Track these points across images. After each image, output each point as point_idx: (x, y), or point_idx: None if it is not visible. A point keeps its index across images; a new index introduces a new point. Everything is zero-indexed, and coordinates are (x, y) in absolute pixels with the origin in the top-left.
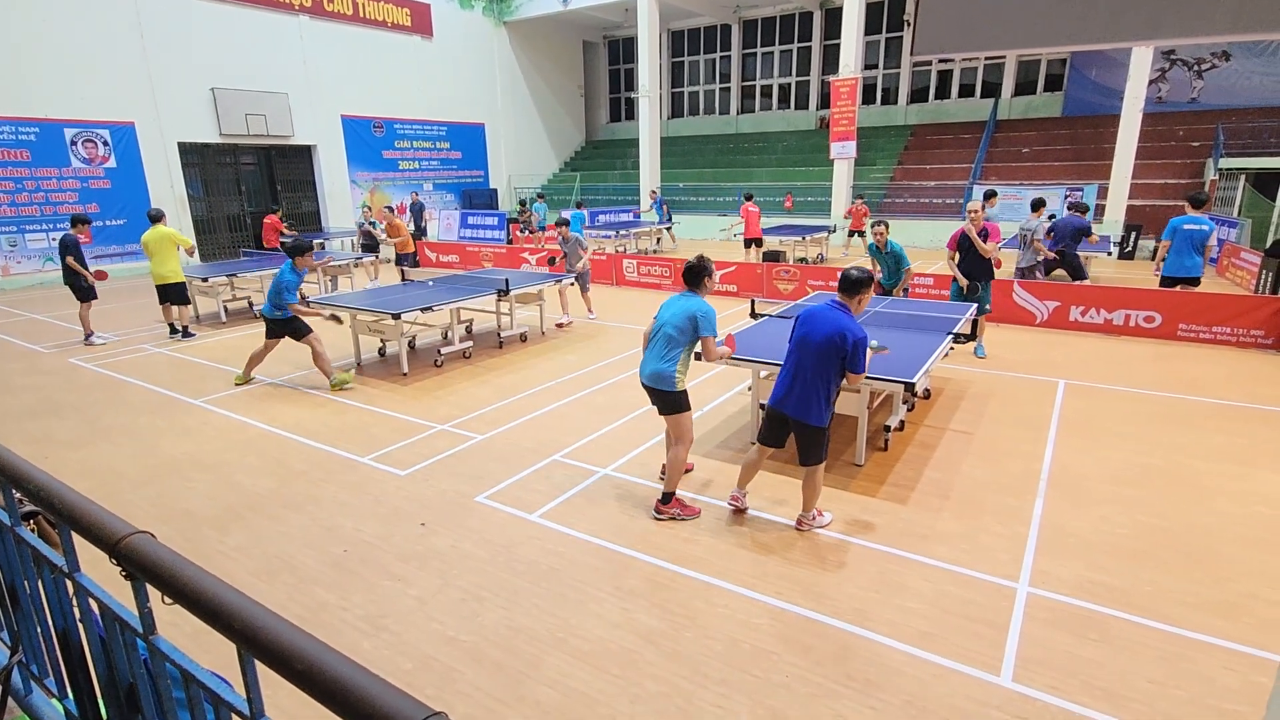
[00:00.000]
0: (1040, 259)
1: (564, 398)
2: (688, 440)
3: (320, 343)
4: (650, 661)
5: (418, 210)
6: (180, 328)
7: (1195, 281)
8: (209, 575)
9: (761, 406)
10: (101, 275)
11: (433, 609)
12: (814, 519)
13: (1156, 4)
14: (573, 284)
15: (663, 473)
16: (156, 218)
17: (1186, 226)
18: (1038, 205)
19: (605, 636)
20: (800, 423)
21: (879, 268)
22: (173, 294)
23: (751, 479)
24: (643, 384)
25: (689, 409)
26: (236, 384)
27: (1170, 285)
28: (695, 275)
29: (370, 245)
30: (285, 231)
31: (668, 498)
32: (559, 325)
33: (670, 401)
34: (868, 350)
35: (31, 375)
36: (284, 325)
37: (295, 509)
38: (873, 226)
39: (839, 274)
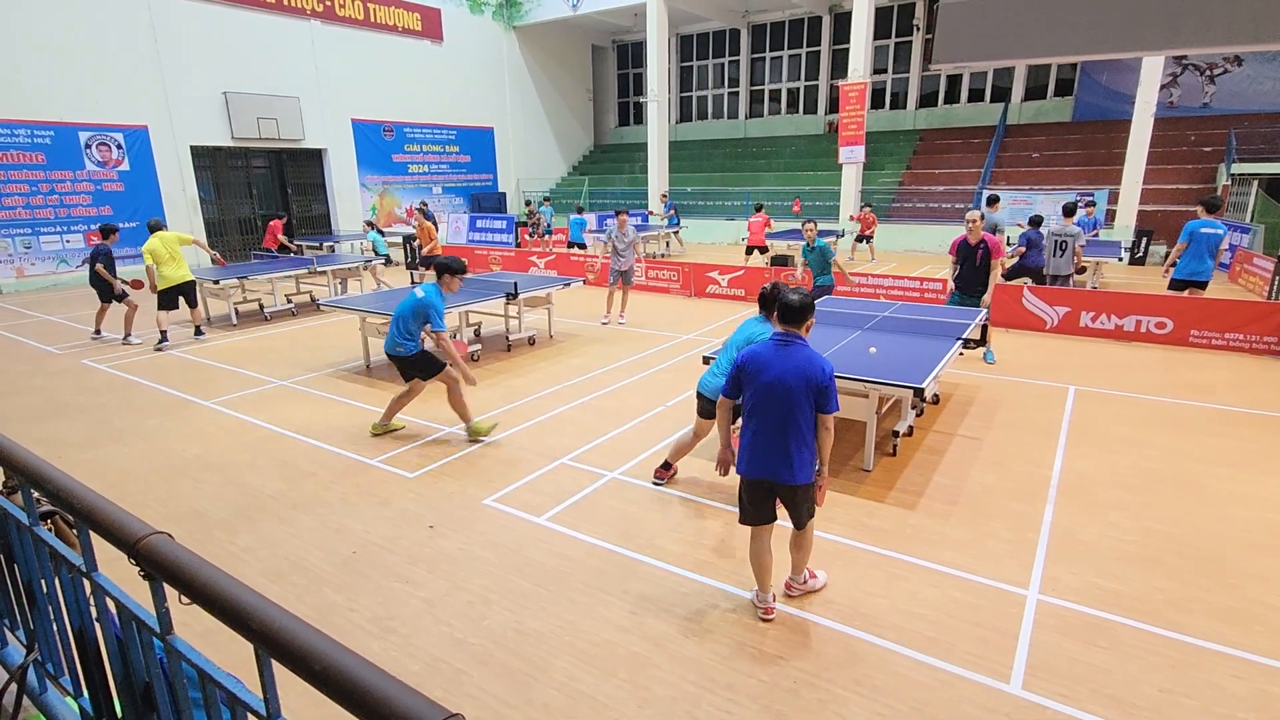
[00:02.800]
0: (1074, 268)
1: (572, 401)
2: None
3: (458, 381)
4: (658, 665)
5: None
6: (195, 326)
7: (1204, 285)
8: (227, 576)
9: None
10: (138, 284)
11: (441, 611)
12: (805, 581)
13: (1176, 13)
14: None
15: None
16: (157, 226)
17: (1204, 230)
18: (1070, 210)
19: (613, 640)
20: (790, 486)
21: (808, 266)
22: (187, 294)
23: (771, 575)
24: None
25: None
26: (374, 434)
27: (1180, 288)
28: (770, 301)
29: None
30: (283, 240)
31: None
32: (619, 324)
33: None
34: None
35: (43, 376)
36: (414, 364)
37: (304, 510)
38: (804, 224)
39: (779, 303)
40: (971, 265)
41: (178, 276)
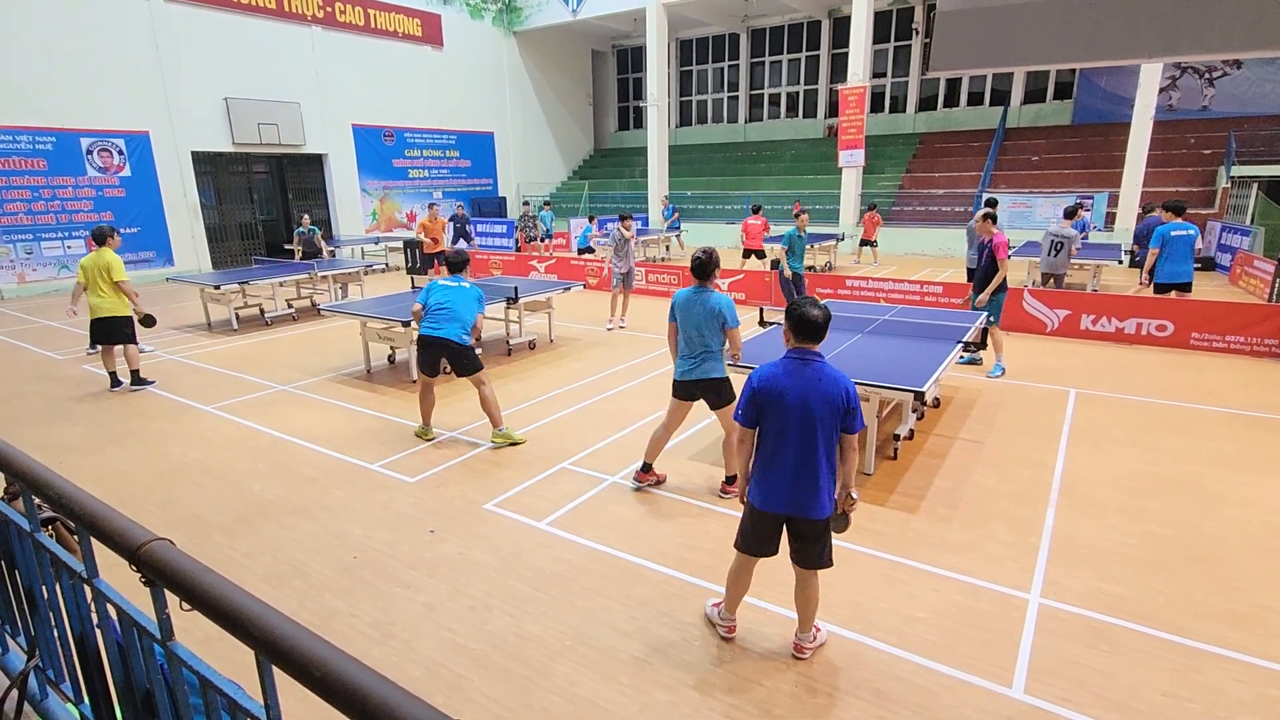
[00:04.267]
0: (1065, 269)
1: (572, 405)
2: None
3: (490, 384)
4: (659, 670)
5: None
6: (131, 372)
7: (1188, 287)
8: (228, 582)
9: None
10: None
11: (441, 616)
12: (814, 639)
13: (1171, 20)
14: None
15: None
16: (101, 238)
17: (1175, 233)
18: (1071, 213)
19: (614, 645)
20: (811, 521)
21: (791, 253)
22: (115, 332)
23: (742, 599)
24: (687, 382)
25: (734, 398)
26: (427, 438)
27: (1164, 292)
28: (705, 269)
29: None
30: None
31: (733, 479)
32: (619, 328)
33: (722, 391)
34: None
35: (44, 382)
36: (466, 356)
37: (305, 515)
38: (797, 216)
39: (799, 317)
40: (981, 264)
41: (94, 307)
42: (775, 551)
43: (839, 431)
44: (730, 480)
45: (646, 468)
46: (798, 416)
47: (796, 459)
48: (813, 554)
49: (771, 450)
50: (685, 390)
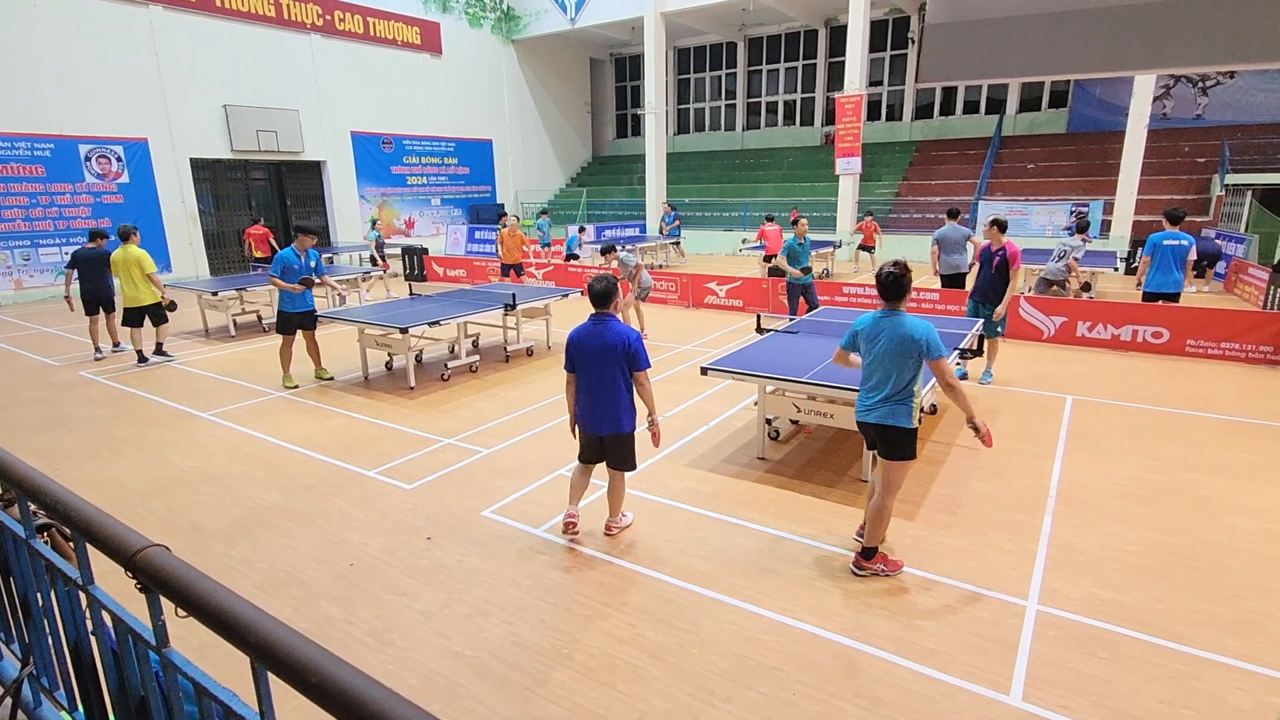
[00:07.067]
0: (1067, 275)
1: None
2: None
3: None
4: (656, 678)
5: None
6: (158, 344)
7: (1176, 297)
8: (224, 589)
9: (768, 422)
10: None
11: (438, 624)
12: (622, 519)
13: (1156, 33)
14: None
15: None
16: (125, 235)
17: (1167, 242)
18: (1083, 227)
19: (611, 652)
20: (617, 435)
21: (795, 261)
22: (151, 315)
23: (580, 497)
24: (866, 424)
25: (914, 455)
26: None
27: (1152, 300)
28: (898, 289)
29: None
30: (274, 245)
31: (870, 552)
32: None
33: (898, 444)
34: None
35: (42, 388)
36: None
37: (302, 523)
38: (795, 224)
39: (590, 289)
40: (988, 273)
41: (132, 297)
42: (600, 459)
43: (630, 370)
44: (867, 554)
45: (870, 553)
46: (597, 361)
47: (605, 392)
48: (621, 458)
49: (586, 389)
50: (865, 433)
